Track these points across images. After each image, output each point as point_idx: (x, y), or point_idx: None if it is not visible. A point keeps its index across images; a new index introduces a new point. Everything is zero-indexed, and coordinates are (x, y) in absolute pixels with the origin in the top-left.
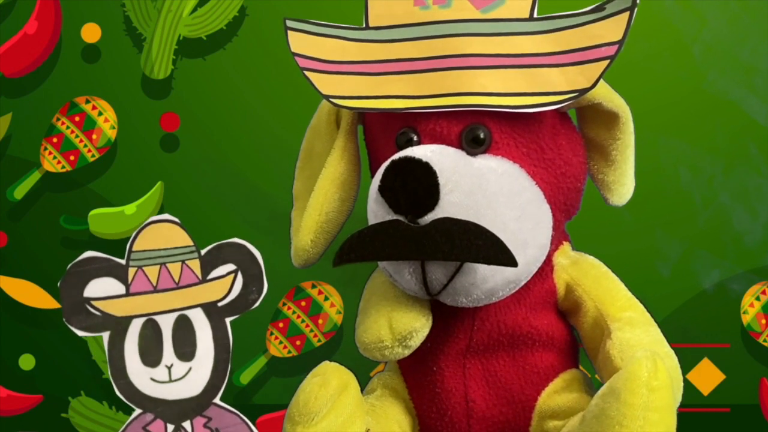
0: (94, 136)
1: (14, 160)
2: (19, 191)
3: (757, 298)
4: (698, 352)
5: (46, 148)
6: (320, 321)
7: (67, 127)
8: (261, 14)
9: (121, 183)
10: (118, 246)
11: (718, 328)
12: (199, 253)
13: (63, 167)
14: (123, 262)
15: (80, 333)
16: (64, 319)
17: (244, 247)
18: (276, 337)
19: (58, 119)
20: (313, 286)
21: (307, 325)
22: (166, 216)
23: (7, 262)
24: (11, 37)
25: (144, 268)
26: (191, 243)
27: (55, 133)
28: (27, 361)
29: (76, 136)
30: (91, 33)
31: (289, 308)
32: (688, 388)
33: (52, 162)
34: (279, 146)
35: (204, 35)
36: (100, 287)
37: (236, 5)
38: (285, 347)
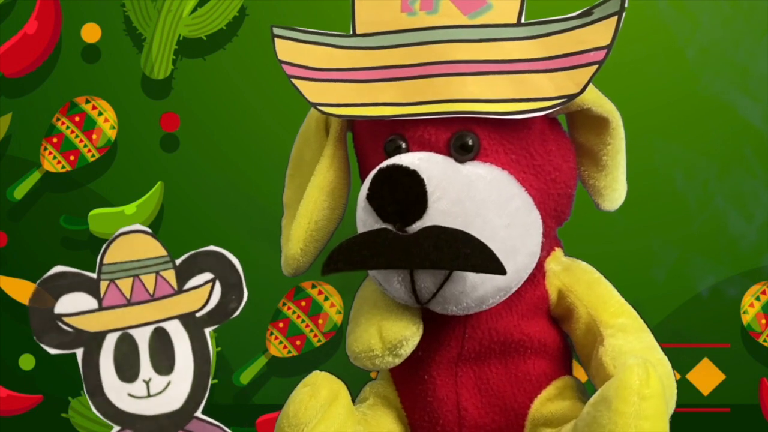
0: (94, 136)
1: (14, 160)
2: (19, 191)
3: (757, 298)
4: (698, 352)
5: (46, 148)
6: (320, 321)
7: (67, 127)
8: (261, 14)
9: (121, 183)
10: None
11: (717, 328)
12: (174, 263)
13: (63, 167)
14: (94, 275)
15: (52, 351)
16: (34, 338)
17: (222, 255)
18: (276, 337)
19: (58, 119)
20: (313, 286)
21: (307, 325)
22: (137, 226)
23: (7, 262)
24: (11, 37)
25: (116, 281)
26: (165, 253)
27: (55, 133)
28: (27, 361)
29: (76, 136)
30: (91, 33)
31: (289, 308)
32: (688, 388)
33: (52, 162)
34: (279, 146)
35: (204, 35)
36: (71, 303)
37: (236, 5)
38: (285, 347)
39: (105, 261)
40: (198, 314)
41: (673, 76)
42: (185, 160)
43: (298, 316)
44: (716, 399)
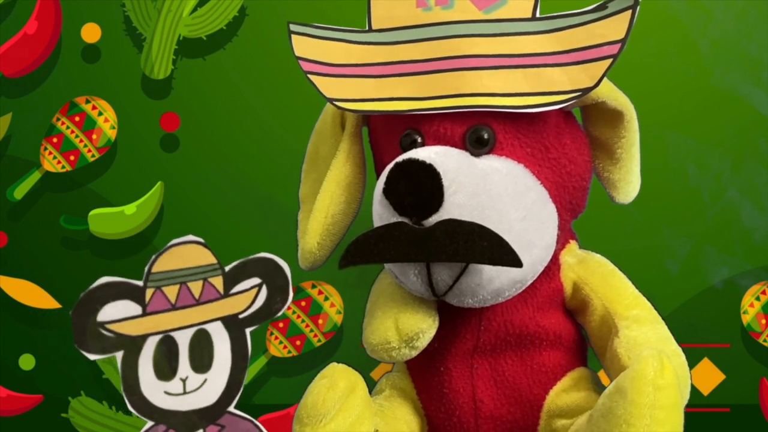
0: (94, 136)
1: (14, 160)
2: (19, 191)
3: (757, 298)
4: (698, 352)
5: (46, 148)
6: (320, 321)
7: (67, 127)
8: (261, 14)
9: (121, 183)
10: (117, 246)
11: (718, 328)
12: (223, 270)
13: (63, 167)
14: (140, 283)
15: (92, 357)
16: (75, 345)
17: (272, 260)
18: (276, 337)
19: (58, 119)
20: (313, 286)
21: (307, 325)
22: (189, 237)
23: (7, 262)
24: (11, 37)
25: (163, 288)
26: (215, 261)
27: (55, 133)
28: (27, 361)
29: (76, 136)
30: (91, 33)
31: (289, 308)
32: None
33: (52, 162)
34: (279, 146)
35: (204, 35)
36: (114, 310)
37: (236, 5)
38: (285, 347)
39: (153, 270)
40: (241, 316)
41: (685, 69)
42: (185, 160)
43: (298, 316)
44: (716, 399)
